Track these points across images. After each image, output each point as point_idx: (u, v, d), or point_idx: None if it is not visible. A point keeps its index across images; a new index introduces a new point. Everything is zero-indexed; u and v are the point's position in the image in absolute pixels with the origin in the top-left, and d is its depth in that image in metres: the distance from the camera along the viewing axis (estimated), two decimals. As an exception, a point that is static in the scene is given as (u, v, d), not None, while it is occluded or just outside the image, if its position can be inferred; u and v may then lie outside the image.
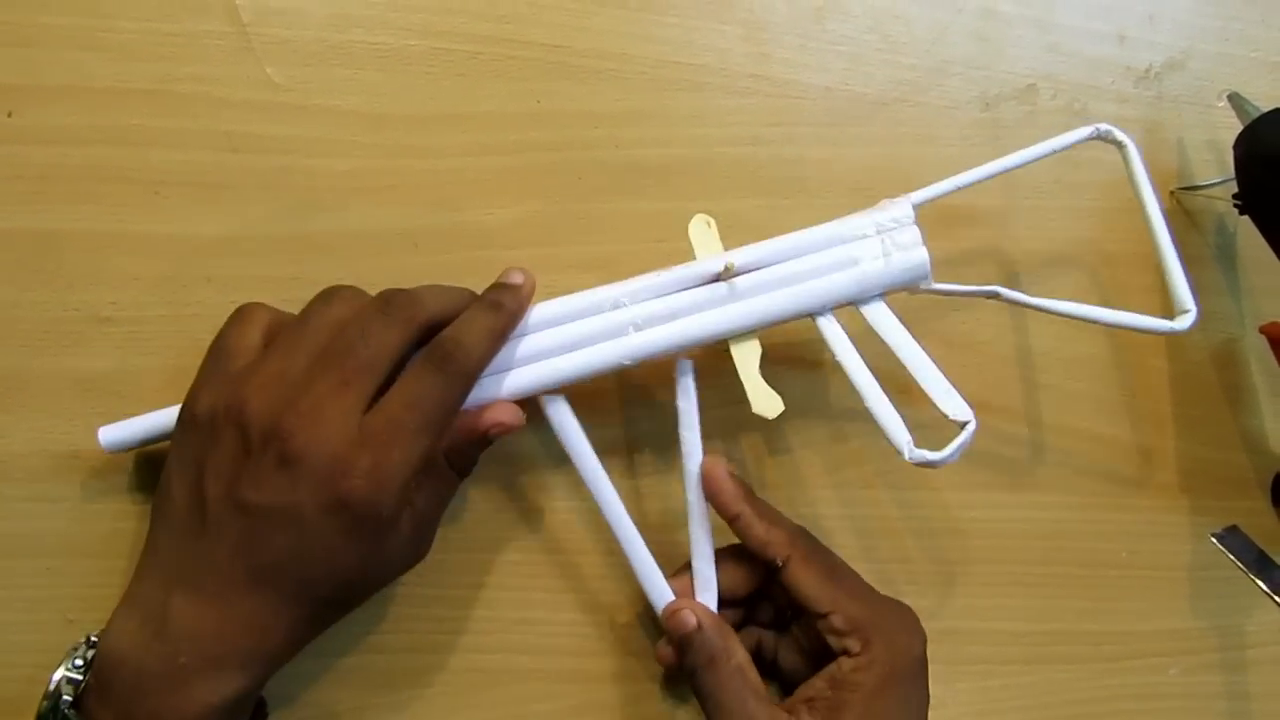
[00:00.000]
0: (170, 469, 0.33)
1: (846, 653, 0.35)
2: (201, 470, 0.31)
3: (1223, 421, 0.47)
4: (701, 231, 0.37)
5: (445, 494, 0.35)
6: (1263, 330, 0.45)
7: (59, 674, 0.32)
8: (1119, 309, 0.38)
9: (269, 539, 0.31)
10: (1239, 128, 0.44)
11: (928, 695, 0.37)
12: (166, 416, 0.35)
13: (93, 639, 0.32)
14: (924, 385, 0.36)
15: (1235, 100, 0.45)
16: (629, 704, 0.40)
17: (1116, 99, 0.47)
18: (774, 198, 0.43)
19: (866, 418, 0.42)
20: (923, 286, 0.37)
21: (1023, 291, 0.39)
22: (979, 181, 0.38)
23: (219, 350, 0.34)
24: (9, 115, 0.38)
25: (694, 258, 0.37)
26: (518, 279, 0.35)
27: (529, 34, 0.41)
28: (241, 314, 0.34)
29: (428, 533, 0.35)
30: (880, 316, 0.37)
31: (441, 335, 0.33)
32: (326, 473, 0.30)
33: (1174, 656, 0.45)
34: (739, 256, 0.36)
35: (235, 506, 0.31)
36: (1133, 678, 0.45)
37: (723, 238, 0.42)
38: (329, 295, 0.34)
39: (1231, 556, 0.42)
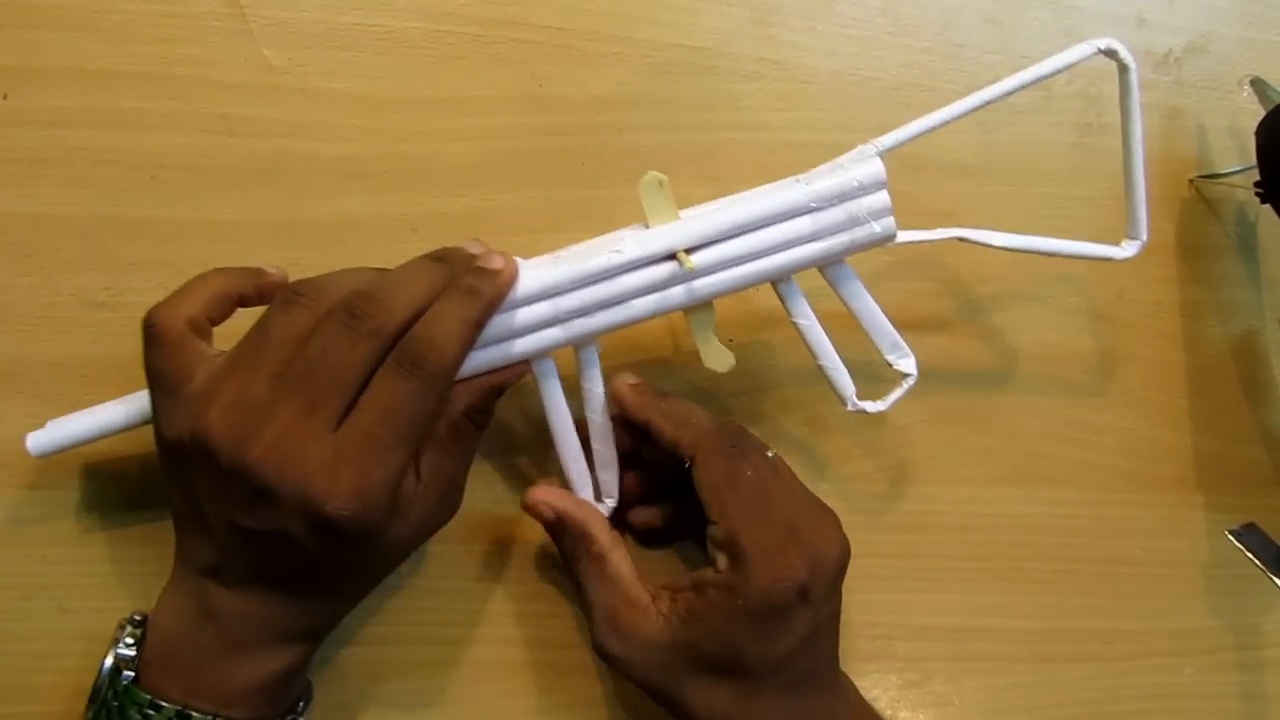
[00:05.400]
0: (168, 478, 0.32)
1: (714, 566, 0.34)
2: (194, 489, 0.31)
3: (1241, 416, 0.46)
4: (654, 193, 0.34)
5: (471, 450, 0.34)
6: (1283, 322, 0.44)
7: (110, 657, 0.32)
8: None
9: (270, 554, 0.31)
10: (1261, 113, 0.43)
11: (812, 632, 0.34)
12: (95, 418, 0.33)
13: (136, 618, 0.32)
14: (874, 338, 0.36)
15: (1258, 85, 0.44)
16: (635, 697, 0.40)
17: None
18: (781, 184, 0.42)
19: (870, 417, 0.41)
20: (888, 245, 0.36)
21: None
22: (955, 119, 0.35)
23: (157, 379, 0.31)
24: (4, 98, 0.37)
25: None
26: (498, 263, 0.32)
27: (531, 16, 0.40)
28: (156, 336, 0.31)
29: (457, 492, 0.35)
30: (842, 277, 0.36)
31: (412, 334, 0.31)
32: (304, 504, 0.29)
33: (1189, 656, 0.44)
34: (696, 228, 0.34)
35: (232, 526, 0.30)
36: (1146, 677, 0.44)
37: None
38: (288, 303, 0.31)
39: (1249, 554, 0.41)
